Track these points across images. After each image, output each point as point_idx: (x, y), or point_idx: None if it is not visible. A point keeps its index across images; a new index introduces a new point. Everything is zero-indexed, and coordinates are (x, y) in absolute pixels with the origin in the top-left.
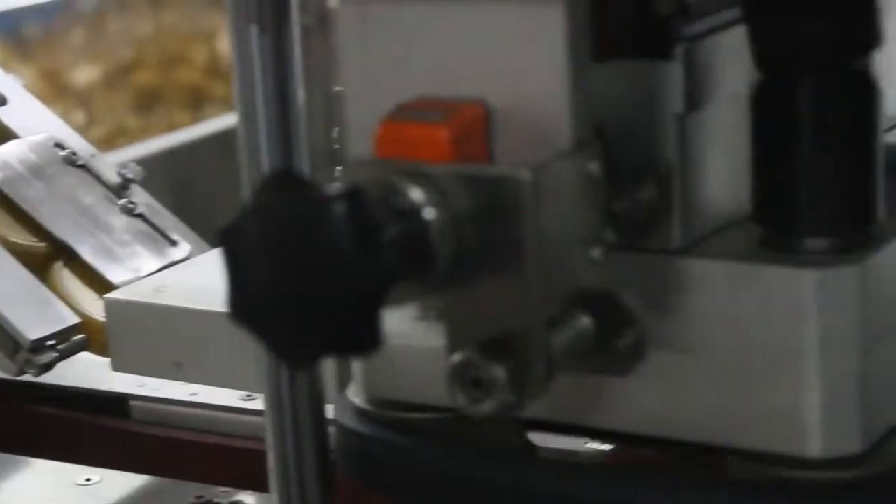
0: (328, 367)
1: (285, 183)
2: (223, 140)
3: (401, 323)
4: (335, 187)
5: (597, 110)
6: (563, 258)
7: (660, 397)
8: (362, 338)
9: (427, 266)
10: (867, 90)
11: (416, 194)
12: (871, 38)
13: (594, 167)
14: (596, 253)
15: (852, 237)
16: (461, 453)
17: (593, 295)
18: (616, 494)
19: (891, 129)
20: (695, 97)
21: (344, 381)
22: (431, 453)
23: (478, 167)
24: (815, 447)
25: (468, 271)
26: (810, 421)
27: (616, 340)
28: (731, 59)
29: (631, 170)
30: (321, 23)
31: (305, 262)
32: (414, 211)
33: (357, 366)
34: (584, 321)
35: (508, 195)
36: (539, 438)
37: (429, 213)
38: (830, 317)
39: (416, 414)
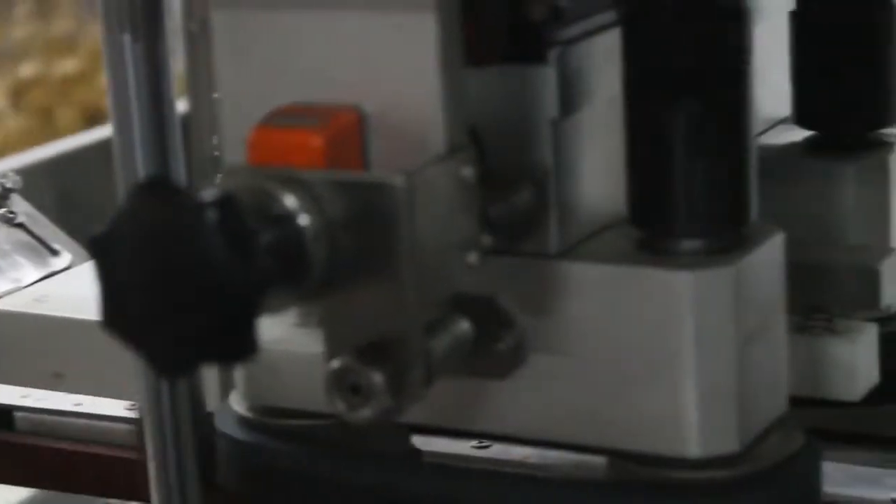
0: (211, 375)
1: (157, 190)
2: (105, 149)
3: (281, 329)
4: (207, 194)
5: (472, 115)
6: (439, 263)
7: (540, 400)
8: (237, 346)
9: (302, 273)
10: (740, 93)
11: (290, 201)
12: (739, 41)
13: (468, 172)
14: (472, 257)
15: (726, 239)
16: (343, 459)
17: (472, 299)
18: (496, 497)
19: (765, 131)
20: (570, 101)
21: (227, 388)
22: (313, 460)
23: (352, 173)
24: (693, 447)
25: (344, 277)
26: (688, 421)
27: (495, 344)
28: (606, 63)
29: (507, 174)
30: (205, 29)
31: (178, 270)
32: (288, 218)
33: (238, 373)
34: (463, 325)
35: (382, 201)
36: (426, 442)
37: (303, 220)
38: (705, 317)
39: (297, 421)
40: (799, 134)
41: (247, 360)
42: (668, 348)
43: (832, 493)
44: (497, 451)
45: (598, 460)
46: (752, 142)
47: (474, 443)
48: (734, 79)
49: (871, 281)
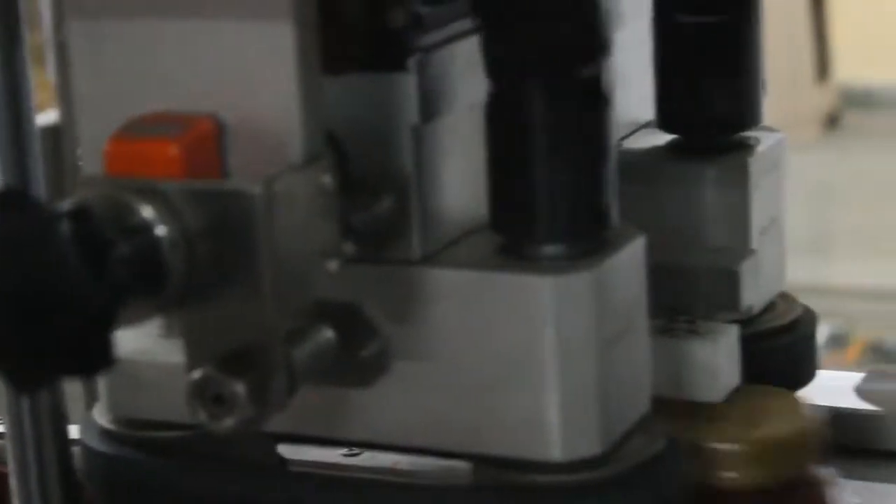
0: (76, 387)
1: (10, 202)
2: None
3: (144, 340)
4: (61, 206)
5: (332, 122)
6: (299, 271)
7: (404, 407)
8: (93, 358)
9: (160, 283)
10: (598, 98)
11: (146, 211)
12: (598, 45)
13: (328, 179)
14: (333, 265)
15: (587, 243)
16: (208, 470)
17: (335, 307)
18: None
19: (628, 135)
20: (431, 108)
21: (92, 400)
22: (177, 471)
23: (209, 182)
24: (556, 451)
25: (203, 287)
26: (550, 425)
27: (359, 352)
28: (467, 70)
29: (369, 181)
30: None
31: (31, 282)
32: (145, 228)
33: (101, 385)
34: (327, 333)
35: (240, 210)
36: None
37: (160, 230)
38: (567, 322)
39: (162, 432)
40: (662, 138)
41: (103, 373)
42: (529, 353)
43: None
44: (367, 458)
45: (468, 466)
46: (612, 146)
47: (344, 451)
48: (594, 81)
49: (731, 282)
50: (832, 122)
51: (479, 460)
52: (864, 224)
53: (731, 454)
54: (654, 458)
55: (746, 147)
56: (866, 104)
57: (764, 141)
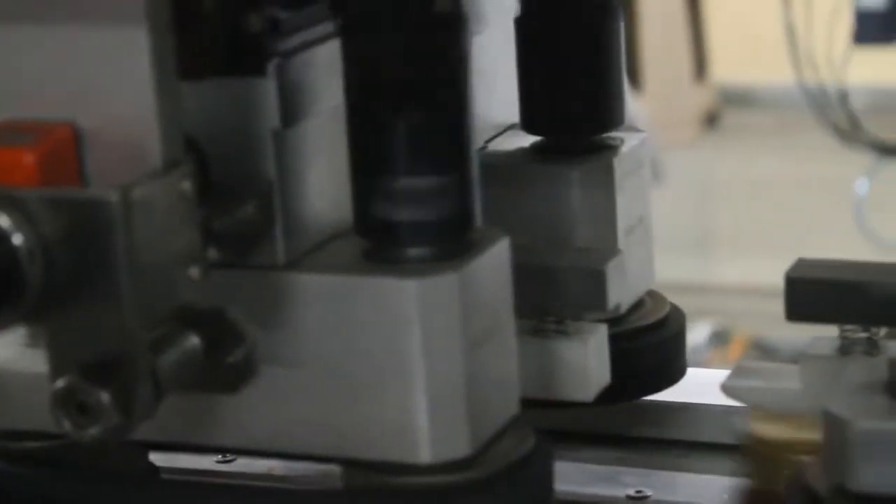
0: None
1: None
2: None
3: (8, 349)
4: None
5: (192, 128)
6: (160, 278)
7: (273, 412)
8: None
9: (18, 293)
10: (458, 103)
11: (2, 220)
12: (452, 53)
13: (187, 186)
14: (195, 272)
15: (452, 245)
16: (77, 480)
17: (200, 313)
18: None
19: (494, 137)
20: (291, 112)
21: None
22: (47, 482)
23: (66, 190)
24: (424, 453)
25: (64, 296)
26: (419, 428)
27: (225, 358)
28: (328, 73)
29: (231, 187)
30: None
31: None
32: (1, 238)
33: None
34: (192, 340)
35: (98, 217)
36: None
37: (17, 239)
38: (432, 324)
39: (31, 443)
40: (527, 140)
41: None
42: (396, 356)
43: (570, 492)
44: (241, 464)
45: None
46: (474, 149)
47: (218, 457)
48: (453, 87)
49: (597, 282)
50: (711, 121)
51: (350, 464)
52: (745, 222)
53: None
54: (523, 458)
55: (611, 148)
56: (745, 103)
57: (628, 141)
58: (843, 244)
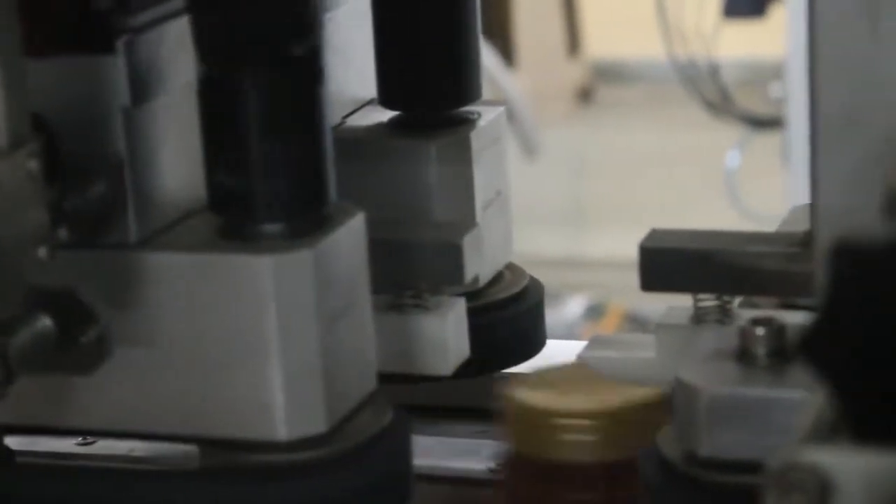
0: None
1: None
2: None
3: None
4: None
5: (39, 106)
6: (9, 259)
7: (129, 393)
8: None
9: None
10: (312, 76)
11: None
12: (308, 24)
13: (35, 165)
14: (44, 252)
15: (306, 221)
16: None
17: (52, 293)
18: (84, 493)
19: (351, 113)
20: (142, 89)
21: None
22: None
23: None
24: (281, 431)
25: None
26: (275, 405)
27: (78, 338)
28: (179, 50)
29: (82, 165)
30: None
31: None
32: None
33: None
34: (44, 321)
35: None
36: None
37: None
38: (287, 301)
39: None
40: (385, 115)
41: None
42: (251, 333)
43: (431, 466)
44: (102, 446)
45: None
46: (327, 123)
47: (79, 440)
48: (306, 60)
49: (454, 256)
50: (585, 96)
51: (207, 443)
52: (618, 196)
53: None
54: (381, 433)
55: (468, 122)
56: (618, 78)
57: (485, 115)
58: (715, 216)
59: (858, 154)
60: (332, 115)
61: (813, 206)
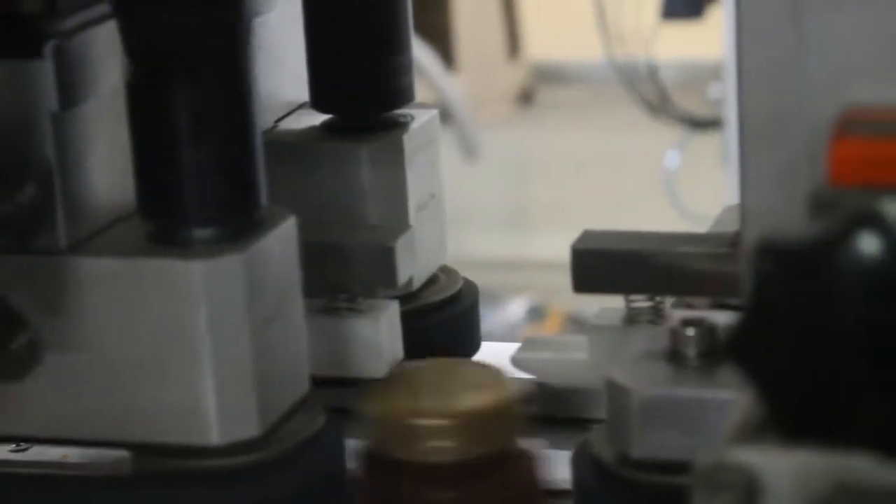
0: None
1: None
2: None
3: None
4: None
5: None
6: None
7: (61, 399)
8: None
9: None
10: (241, 80)
11: None
12: (237, 27)
13: None
14: None
15: (237, 226)
16: None
17: None
18: (15, 498)
19: (283, 117)
20: (71, 94)
21: None
22: None
23: None
24: (213, 436)
25: None
26: (206, 410)
27: (8, 345)
28: (108, 54)
29: (9, 170)
30: None
31: None
32: None
33: None
34: None
35: None
36: None
37: None
38: (218, 306)
39: None
40: (318, 118)
41: None
42: (182, 339)
43: None
44: (35, 453)
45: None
46: (258, 127)
47: (12, 446)
48: (233, 63)
49: (387, 259)
50: (525, 98)
51: (140, 449)
52: (559, 197)
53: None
54: (314, 437)
55: (400, 125)
56: (558, 79)
57: (418, 118)
58: (655, 216)
59: (784, 155)
60: (265, 118)
61: (741, 207)
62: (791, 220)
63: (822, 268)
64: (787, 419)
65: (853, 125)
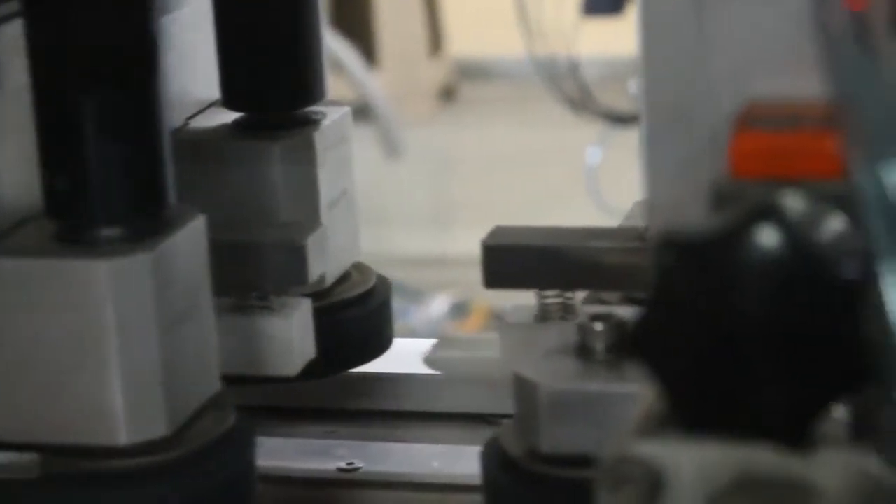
0: None
1: None
2: None
3: None
4: None
5: None
6: None
7: None
8: None
9: None
10: (148, 78)
11: None
12: (141, 29)
13: None
14: None
15: (144, 225)
16: None
17: None
18: None
19: (195, 115)
20: None
21: None
22: None
23: None
24: (121, 436)
25: None
26: (115, 411)
27: None
28: (15, 53)
29: None
30: None
31: None
32: None
33: None
34: None
35: None
36: None
37: None
38: (126, 305)
39: None
40: (230, 116)
41: None
42: (90, 339)
43: (281, 468)
44: None
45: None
46: (165, 125)
47: None
48: (140, 61)
49: (297, 257)
50: (448, 94)
51: (49, 450)
52: (483, 194)
53: None
54: (223, 437)
55: (312, 122)
56: (480, 76)
57: (329, 115)
58: (577, 212)
59: (688, 148)
60: (175, 116)
61: (647, 201)
62: (695, 213)
63: (722, 261)
64: (689, 412)
65: (754, 119)
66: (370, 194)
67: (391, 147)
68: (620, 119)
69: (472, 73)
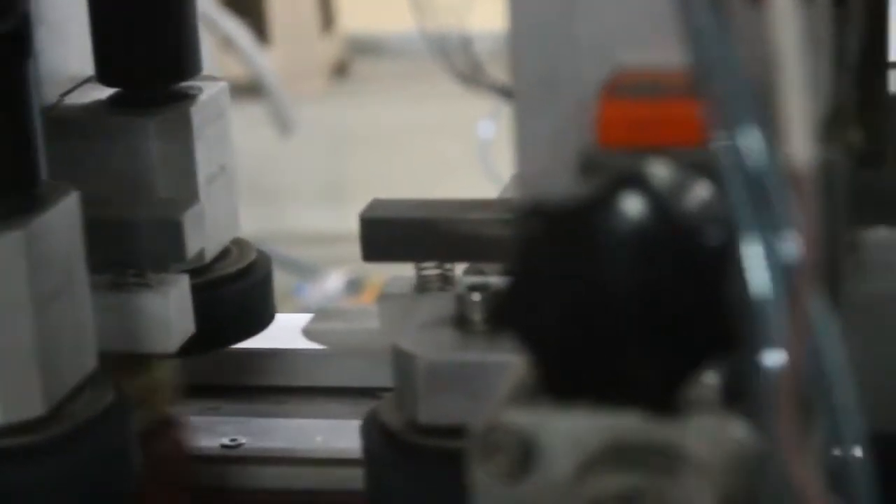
0: None
1: None
2: None
3: None
4: None
5: None
6: None
7: None
8: None
9: None
10: (17, 53)
11: None
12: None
13: None
14: None
15: (15, 202)
16: None
17: None
18: None
19: (69, 91)
20: None
21: None
22: None
23: None
24: None
25: None
26: None
27: None
28: None
29: None
30: None
31: None
32: None
33: None
34: None
35: None
36: None
37: None
38: None
39: None
40: (105, 92)
41: None
42: None
43: None
44: None
45: None
46: (35, 101)
47: None
48: (9, 39)
49: (174, 232)
50: (340, 70)
51: None
52: (377, 170)
53: None
54: (101, 414)
55: (188, 97)
56: (373, 52)
57: (206, 90)
58: (470, 186)
59: (555, 119)
60: (49, 93)
61: (517, 172)
62: (564, 183)
63: (586, 229)
64: (559, 380)
65: (620, 88)
66: (263, 171)
67: (284, 124)
68: (512, 93)
69: (365, 49)
